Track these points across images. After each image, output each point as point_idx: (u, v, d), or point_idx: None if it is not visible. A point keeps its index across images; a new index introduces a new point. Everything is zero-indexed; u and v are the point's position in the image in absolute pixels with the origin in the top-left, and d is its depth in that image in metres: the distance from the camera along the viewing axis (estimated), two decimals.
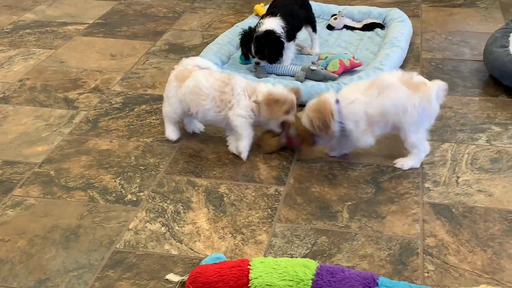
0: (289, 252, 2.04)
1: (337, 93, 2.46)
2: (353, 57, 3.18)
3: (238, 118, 2.48)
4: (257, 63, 3.07)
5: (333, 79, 3.02)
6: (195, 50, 3.50)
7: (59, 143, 2.64)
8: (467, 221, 2.16)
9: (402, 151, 2.54)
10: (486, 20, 3.83)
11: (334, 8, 3.88)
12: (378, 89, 2.36)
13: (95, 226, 2.17)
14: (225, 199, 2.31)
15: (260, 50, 3.02)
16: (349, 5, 4.00)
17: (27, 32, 3.78)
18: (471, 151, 2.55)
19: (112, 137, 2.69)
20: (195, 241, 2.10)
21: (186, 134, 2.71)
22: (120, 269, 1.98)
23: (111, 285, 1.93)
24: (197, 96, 2.50)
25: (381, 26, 3.67)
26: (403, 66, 3.24)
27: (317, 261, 1.84)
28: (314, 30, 3.35)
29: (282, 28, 3.05)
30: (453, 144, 2.60)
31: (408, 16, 3.66)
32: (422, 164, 2.47)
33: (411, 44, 3.48)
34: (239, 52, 3.35)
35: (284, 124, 2.52)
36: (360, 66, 3.13)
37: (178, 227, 2.17)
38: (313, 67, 3.04)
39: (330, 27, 3.72)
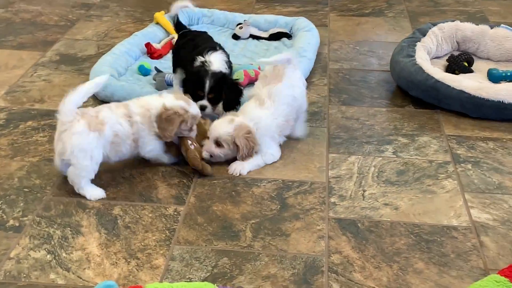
0: (187, 276, 2.02)
1: (240, 113, 2.58)
2: (259, 68, 3.22)
3: (151, 153, 2.53)
4: (203, 108, 2.71)
5: None
6: (89, 61, 3.43)
7: None
8: (373, 236, 2.21)
9: (308, 164, 2.58)
10: (394, 29, 3.98)
11: (239, 17, 3.92)
12: (270, 96, 2.58)
13: None
14: (119, 221, 2.26)
15: (215, 91, 2.72)
16: (255, 14, 4.05)
17: None
18: (378, 164, 2.62)
19: None
20: (84, 268, 2.04)
21: None
22: None
23: None
24: (116, 145, 2.42)
25: (288, 35, 3.74)
26: (310, 77, 3.31)
27: (215, 284, 1.83)
28: None
29: (226, 63, 2.83)
30: (359, 156, 2.67)
31: (316, 26, 3.75)
32: (328, 178, 2.51)
33: (319, 54, 3.56)
34: (138, 63, 3.31)
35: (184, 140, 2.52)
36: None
37: (66, 254, 2.10)
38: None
39: (235, 37, 3.75)
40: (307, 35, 3.58)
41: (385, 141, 2.79)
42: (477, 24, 3.54)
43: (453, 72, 3.25)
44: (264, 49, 3.63)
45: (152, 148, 2.50)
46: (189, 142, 2.52)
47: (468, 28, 3.51)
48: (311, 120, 2.92)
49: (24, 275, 2.00)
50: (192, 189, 2.44)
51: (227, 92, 2.74)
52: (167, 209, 2.33)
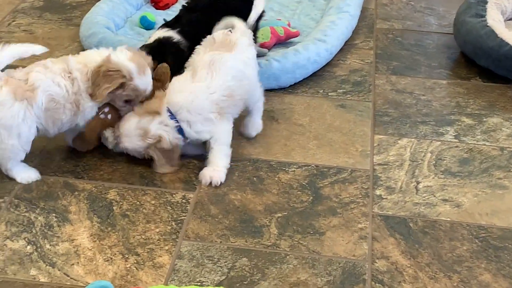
0: (198, 279, 2.03)
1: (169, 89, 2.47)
2: (289, 25, 3.20)
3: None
4: None
5: (262, 54, 3.03)
6: (80, 9, 3.45)
7: None
8: (428, 239, 2.21)
9: (348, 147, 2.58)
10: None
11: None
12: (209, 65, 2.46)
13: None
14: (115, 208, 2.28)
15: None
16: None
17: None
18: (436, 150, 2.61)
19: None
20: (73, 264, 2.06)
21: None
22: None
23: None
24: (54, 112, 2.35)
25: None
26: (352, 38, 3.29)
27: None
28: None
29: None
30: (412, 140, 2.66)
31: None
32: (373, 165, 2.51)
33: (363, 10, 3.54)
34: (140, 13, 3.31)
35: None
36: (297, 36, 3.15)
37: (50, 245, 2.12)
38: None
39: None
40: None
41: (445, 121, 2.77)
42: None
43: None
44: (295, 2, 3.61)
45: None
46: (106, 110, 2.44)
47: None
48: (353, 92, 2.91)
49: None
50: None
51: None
52: (174, 195, 2.34)
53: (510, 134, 2.71)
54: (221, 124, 2.44)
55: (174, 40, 2.72)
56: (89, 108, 2.39)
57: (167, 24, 2.81)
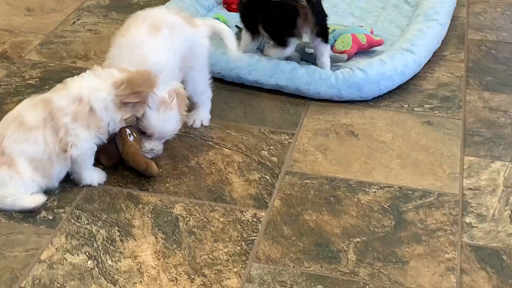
0: None
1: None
2: (371, 32, 3.19)
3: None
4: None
5: (340, 61, 3.02)
6: (147, 7, 3.46)
7: None
8: None
9: (435, 168, 2.55)
10: None
11: None
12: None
13: None
14: (181, 224, 2.29)
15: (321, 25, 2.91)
16: None
17: None
18: None
19: None
20: (135, 282, 2.08)
21: None
22: None
23: None
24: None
25: None
26: (441, 49, 3.26)
27: None
28: None
29: None
30: (507, 163, 2.62)
31: None
32: (462, 189, 2.47)
33: (454, 19, 3.51)
34: (210, 15, 3.34)
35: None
36: (381, 45, 3.13)
37: (112, 261, 2.14)
38: (309, 50, 3.04)
39: None
40: None
41: None
42: None
43: None
44: (379, 7, 3.60)
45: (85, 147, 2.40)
46: (128, 131, 2.46)
47: None
48: (441, 108, 2.88)
49: (58, 285, 2.05)
50: (277, 189, 2.45)
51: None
52: (244, 213, 2.35)
53: None
54: None
55: None
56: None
57: None
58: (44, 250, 2.16)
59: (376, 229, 2.31)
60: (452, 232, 2.30)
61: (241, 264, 2.16)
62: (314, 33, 2.91)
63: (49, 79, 2.94)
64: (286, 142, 2.67)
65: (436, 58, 3.21)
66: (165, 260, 2.16)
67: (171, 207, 2.36)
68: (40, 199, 2.32)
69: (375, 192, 2.46)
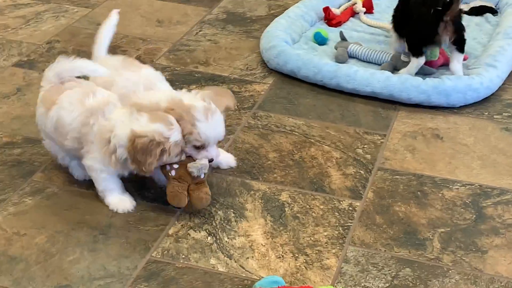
0: (363, 284, 2.01)
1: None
2: None
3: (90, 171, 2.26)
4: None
5: (429, 73, 2.97)
6: (259, 23, 3.49)
7: None
8: None
9: None
10: None
11: None
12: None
13: (129, 227, 2.19)
14: (286, 209, 2.29)
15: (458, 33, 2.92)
16: None
17: None
18: None
19: None
20: (248, 258, 2.09)
21: (241, 126, 2.70)
22: (155, 283, 1.99)
23: None
24: (60, 134, 2.23)
25: (494, 11, 3.57)
26: None
27: None
28: None
29: None
30: None
31: None
32: None
33: None
34: (313, 30, 3.33)
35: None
36: (466, 60, 3.05)
37: (228, 238, 2.17)
38: (405, 59, 2.99)
39: None
40: None
41: None
42: None
43: None
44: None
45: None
46: (168, 167, 2.21)
47: None
48: None
49: (183, 256, 2.09)
50: (370, 183, 2.43)
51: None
52: (341, 202, 2.34)
53: None
54: None
55: None
56: (96, 159, 2.20)
57: None
58: (172, 226, 2.20)
59: (459, 221, 2.27)
60: None
61: (339, 246, 2.15)
62: (451, 40, 2.89)
63: (176, 81, 2.99)
64: (379, 142, 2.65)
65: None
66: (273, 239, 2.17)
67: (278, 194, 2.37)
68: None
69: (458, 188, 2.42)
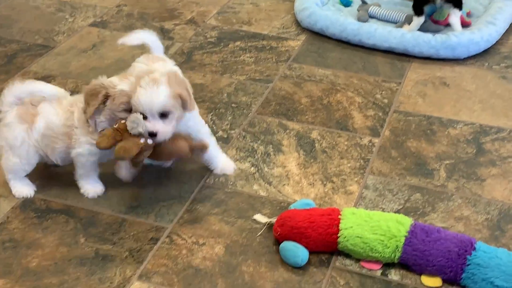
0: (380, 206, 2.03)
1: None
2: (468, 13, 3.03)
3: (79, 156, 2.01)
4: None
5: (437, 30, 2.91)
6: None
7: None
8: None
9: (508, 112, 2.45)
10: None
11: None
12: None
13: (186, 159, 2.21)
14: (316, 145, 2.30)
15: None
16: None
17: None
18: None
19: (206, 71, 2.72)
20: (284, 184, 2.12)
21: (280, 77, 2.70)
22: (209, 204, 2.03)
23: (199, 218, 1.98)
24: (49, 140, 1.99)
25: None
26: None
27: (411, 218, 1.82)
28: None
29: None
30: None
31: None
32: None
33: None
34: None
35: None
36: (469, 26, 2.93)
37: (268, 168, 2.19)
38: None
39: None
40: None
41: None
42: None
43: None
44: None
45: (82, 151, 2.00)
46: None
47: None
48: None
49: (231, 183, 2.12)
50: (387, 123, 2.42)
51: None
52: (362, 139, 2.34)
53: None
54: None
55: None
56: (83, 143, 1.98)
57: None
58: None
59: (461, 155, 2.25)
60: None
61: (360, 175, 2.16)
62: None
63: (224, 38, 2.98)
64: (394, 89, 2.62)
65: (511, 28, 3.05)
66: (305, 169, 2.19)
67: (309, 133, 2.37)
68: (25, 192, 2.08)
69: (461, 127, 2.39)
